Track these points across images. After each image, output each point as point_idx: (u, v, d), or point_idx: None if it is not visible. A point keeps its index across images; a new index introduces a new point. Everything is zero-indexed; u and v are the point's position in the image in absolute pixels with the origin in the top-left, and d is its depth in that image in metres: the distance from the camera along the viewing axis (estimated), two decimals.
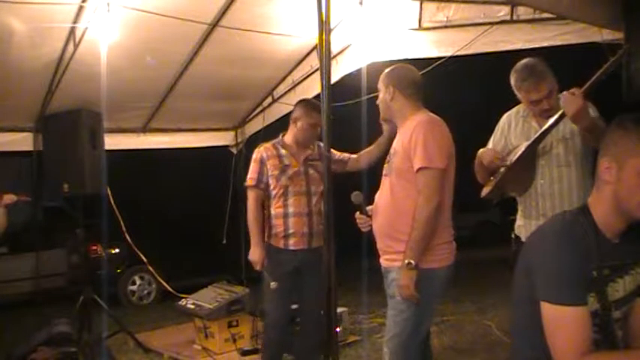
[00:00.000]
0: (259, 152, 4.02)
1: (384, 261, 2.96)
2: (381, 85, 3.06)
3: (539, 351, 1.79)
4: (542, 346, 1.77)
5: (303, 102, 4.10)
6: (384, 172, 3.04)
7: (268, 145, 4.08)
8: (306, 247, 3.90)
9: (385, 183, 2.98)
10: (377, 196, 3.03)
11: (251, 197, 3.98)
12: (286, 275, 3.91)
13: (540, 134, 2.98)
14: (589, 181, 2.97)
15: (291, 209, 3.90)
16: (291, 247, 3.90)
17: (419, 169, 2.77)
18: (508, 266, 2.68)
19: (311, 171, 3.97)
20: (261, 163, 3.99)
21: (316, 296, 3.76)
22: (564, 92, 2.82)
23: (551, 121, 2.91)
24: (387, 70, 3.11)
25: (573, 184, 3.01)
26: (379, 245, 2.98)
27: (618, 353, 1.82)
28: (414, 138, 2.79)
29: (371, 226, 3.01)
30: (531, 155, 3.04)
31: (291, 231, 3.89)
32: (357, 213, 3.00)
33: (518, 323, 1.96)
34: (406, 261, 2.71)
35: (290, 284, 3.94)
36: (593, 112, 2.95)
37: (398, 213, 2.85)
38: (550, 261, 1.77)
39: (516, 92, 3.10)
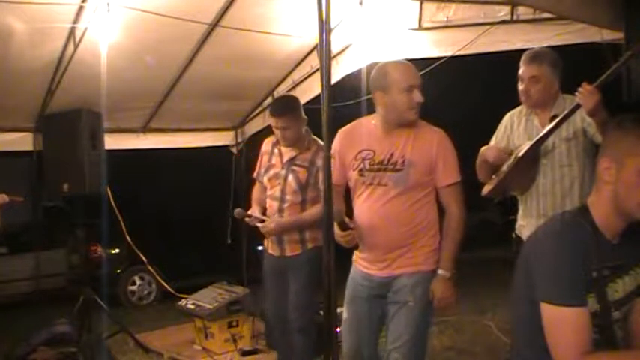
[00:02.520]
0: (263, 145, 3.92)
1: (389, 270, 2.83)
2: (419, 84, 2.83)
3: (538, 351, 1.79)
4: (542, 346, 1.77)
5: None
6: (369, 181, 2.81)
7: (270, 139, 3.91)
8: (277, 254, 3.76)
9: (379, 193, 2.80)
10: (363, 207, 2.85)
11: (254, 188, 3.95)
12: (270, 277, 3.86)
13: (547, 132, 2.96)
14: (591, 181, 2.97)
15: (267, 212, 3.77)
16: (269, 251, 3.82)
17: (453, 184, 2.81)
18: (509, 266, 2.68)
19: (290, 177, 3.68)
20: (261, 156, 3.91)
21: (296, 302, 3.70)
22: (580, 88, 2.77)
23: (559, 118, 2.91)
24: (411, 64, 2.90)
25: (575, 184, 3.01)
26: (382, 257, 2.83)
27: (618, 353, 1.82)
28: (441, 152, 2.79)
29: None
30: (535, 154, 3.04)
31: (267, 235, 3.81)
32: (337, 229, 2.68)
33: (518, 323, 1.96)
34: (448, 273, 2.77)
35: (275, 287, 3.83)
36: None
37: (412, 225, 2.80)
38: (550, 261, 1.77)
39: (520, 72, 3.12)
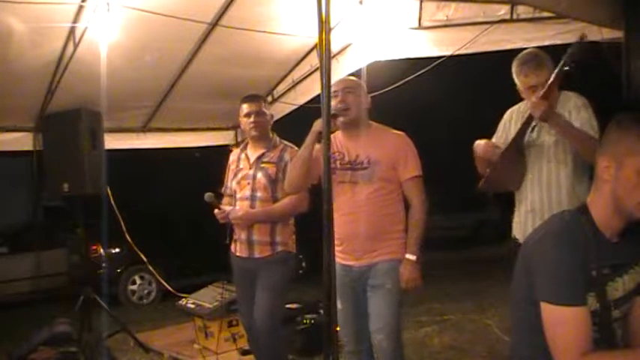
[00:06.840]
0: (230, 157, 3.95)
1: (367, 260, 3.11)
2: (361, 89, 3.22)
3: (538, 350, 1.79)
4: (541, 345, 1.77)
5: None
6: (341, 179, 3.12)
7: (237, 148, 3.99)
8: (246, 255, 3.72)
9: (355, 189, 3.11)
10: (342, 201, 3.07)
11: (223, 203, 3.88)
12: (239, 282, 3.84)
13: (519, 131, 3.06)
14: (580, 177, 3.00)
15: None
16: (237, 254, 3.79)
17: (414, 177, 3.13)
18: (504, 265, 2.70)
19: (259, 175, 3.70)
20: (228, 168, 3.93)
21: (261, 304, 3.62)
22: (532, 98, 2.92)
23: (524, 120, 3.01)
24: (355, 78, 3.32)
25: (562, 180, 3.02)
26: (357, 247, 3.12)
27: (618, 352, 1.82)
28: (402, 150, 3.14)
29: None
30: (518, 149, 3.07)
31: (235, 237, 3.78)
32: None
33: (518, 323, 1.96)
34: (414, 257, 3.06)
35: (244, 290, 3.82)
36: (586, 112, 2.97)
37: (384, 216, 3.11)
38: (549, 261, 1.77)
39: (516, 79, 3.10)
